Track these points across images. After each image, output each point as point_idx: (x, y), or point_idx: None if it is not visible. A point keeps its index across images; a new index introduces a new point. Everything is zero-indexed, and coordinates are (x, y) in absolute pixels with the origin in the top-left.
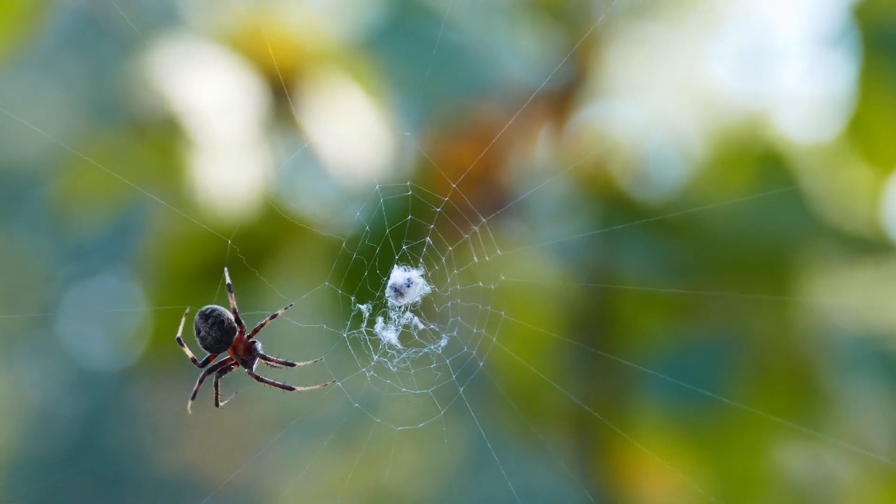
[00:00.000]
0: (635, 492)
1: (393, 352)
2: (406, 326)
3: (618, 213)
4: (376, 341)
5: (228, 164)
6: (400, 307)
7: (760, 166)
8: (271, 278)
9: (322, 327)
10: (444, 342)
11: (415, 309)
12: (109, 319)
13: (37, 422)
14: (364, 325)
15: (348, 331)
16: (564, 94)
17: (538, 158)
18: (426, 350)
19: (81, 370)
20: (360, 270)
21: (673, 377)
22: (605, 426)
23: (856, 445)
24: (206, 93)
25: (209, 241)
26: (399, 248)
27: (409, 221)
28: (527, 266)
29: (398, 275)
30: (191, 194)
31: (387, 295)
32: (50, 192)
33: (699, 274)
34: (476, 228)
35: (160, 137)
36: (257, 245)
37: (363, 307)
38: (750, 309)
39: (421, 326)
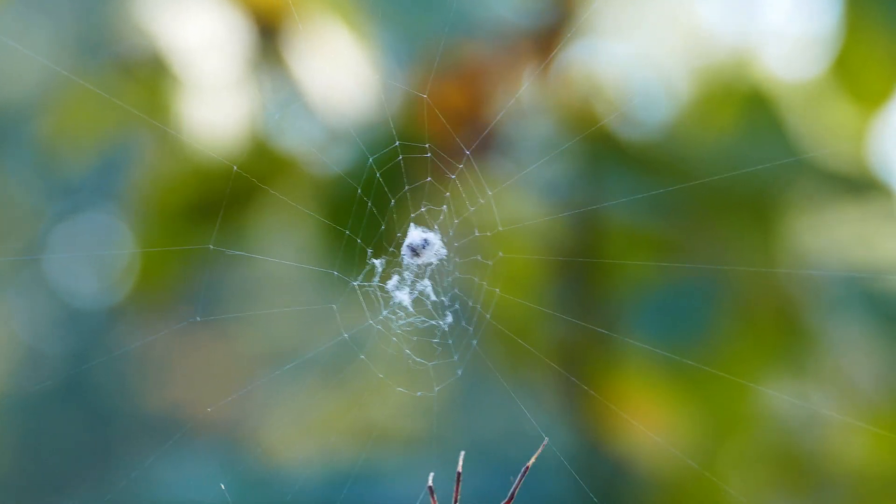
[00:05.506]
0: (621, 431)
1: (402, 312)
2: (421, 293)
3: (603, 151)
4: (383, 297)
5: (215, 102)
6: (416, 267)
7: (746, 105)
8: (259, 217)
9: (334, 274)
10: (450, 319)
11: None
12: (97, 257)
13: (25, 359)
14: (377, 279)
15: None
16: (550, 32)
17: (524, 97)
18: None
19: (69, 308)
20: (350, 208)
21: (659, 315)
22: (591, 370)
23: (841, 384)
24: (193, 31)
25: (197, 178)
26: (395, 189)
27: (400, 160)
28: (512, 206)
29: (415, 234)
30: (178, 132)
31: (402, 253)
32: (38, 129)
33: (685, 212)
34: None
35: (147, 76)
36: (243, 184)
37: (377, 262)
38: (735, 247)
39: (433, 297)
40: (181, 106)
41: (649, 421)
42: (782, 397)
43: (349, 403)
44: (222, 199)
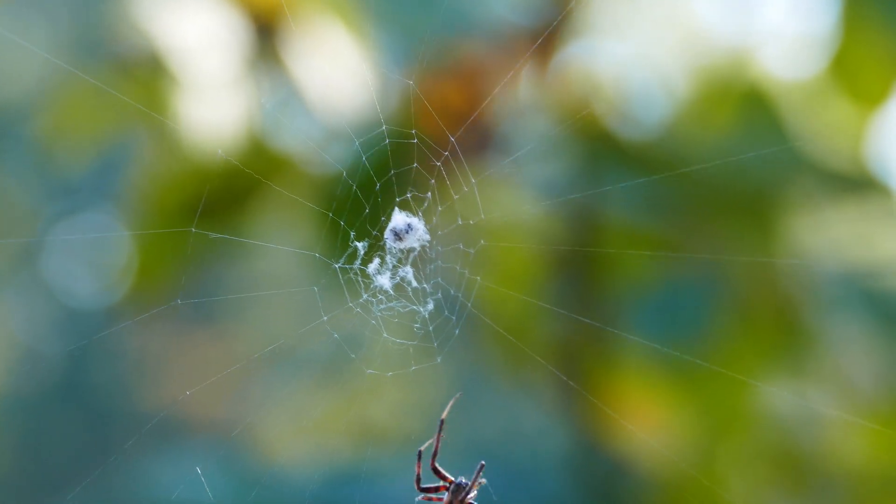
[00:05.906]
0: (620, 429)
1: (382, 296)
2: (402, 279)
3: (601, 150)
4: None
5: (213, 101)
6: (399, 250)
7: (744, 104)
8: (257, 213)
9: (315, 255)
10: (430, 306)
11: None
12: (94, 256)
13: (22, 359)
14: (358, 262)
15: (340, 264)
16: (548, 31)
17: (522, 97)
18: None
19: (66, 308)
20: (344, 203)
21: (657, 313)
22: (588, 368)
23: (840, 383)
24: (191, 30)
25: (195, 177)
26: (390, 183)
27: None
28: (510, 204)
29: (399, 219)
30: (175, 131)
31: (385, 237)
32: (36, 129)
33: (683, 211)
34: (444, 156)
35: (145, 75)
36: (242, 182)
37: (359, 245)
38: (734, 246)
39: (414, 283)
40: (179, 105)
41: (647, 419)
42: (781, 396)
43: (332, 390)
44: (219, 197)
